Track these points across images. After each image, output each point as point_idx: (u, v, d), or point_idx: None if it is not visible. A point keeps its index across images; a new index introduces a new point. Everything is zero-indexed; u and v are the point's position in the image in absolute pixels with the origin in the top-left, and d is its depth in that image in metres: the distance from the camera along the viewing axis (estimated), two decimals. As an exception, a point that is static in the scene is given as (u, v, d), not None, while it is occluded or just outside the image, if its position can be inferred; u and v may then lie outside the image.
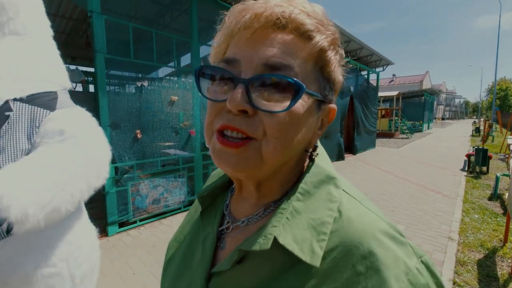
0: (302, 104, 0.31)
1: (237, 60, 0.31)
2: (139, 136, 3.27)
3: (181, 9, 4.54)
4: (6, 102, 1.39)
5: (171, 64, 4.18)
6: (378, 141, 12.53)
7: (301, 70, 0.31)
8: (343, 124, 8.39)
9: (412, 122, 19.50)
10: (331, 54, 0.33)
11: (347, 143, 9.58)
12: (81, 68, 6.86)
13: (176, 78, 3.96)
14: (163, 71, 4.24)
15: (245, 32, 0.31)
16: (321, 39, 0.32)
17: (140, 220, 3.36)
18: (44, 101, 1.55)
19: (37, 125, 1.48)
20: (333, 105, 0.36)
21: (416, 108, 21.77)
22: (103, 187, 2.95)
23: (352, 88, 8.33)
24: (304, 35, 0.31)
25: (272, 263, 0.32)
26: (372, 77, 10.28)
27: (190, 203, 3.93)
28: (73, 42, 5.88)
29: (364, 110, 9.32)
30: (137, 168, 3.30)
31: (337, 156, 8.10)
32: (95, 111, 2.95)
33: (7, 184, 1.20)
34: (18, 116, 1.43)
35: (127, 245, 2.88)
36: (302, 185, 0.35)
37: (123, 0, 4.14)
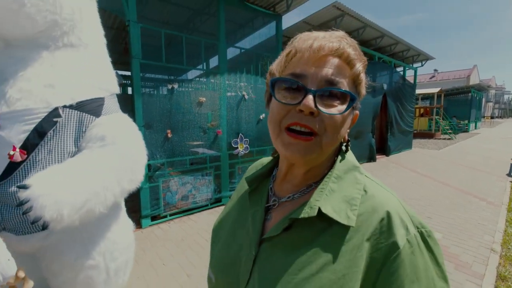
0: (350, 110, 0.44)
1: (304, 75, 0.42)
2: (169, 135, 3.48)
3: (210, 12, 4.70)
4: (56, 109, 1.54)
5: (200, 66, 4.35)
6: (416, 141, 11.71)
7: (347, 86, 0.43)
8: (375, 124, 8.00)
9: (457, 121, 17.83)
10: (363, 76, 0.46)
11: (380, 144, 9.09)
12: (120, 72, 7.46)
13: (204, 80, 4.13)
14: (192, 73, 4.44)
15: (312, 56, 0.42)
16: (359, 66, 0.44)
17: (170, 215, 3.57)
18: (91, 107, 1.68)
19: (83, 130, 1.62)
20: (357, 111, 0.49)
21: (462, 106, 19.84)
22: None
23: (385, 86, 7.90)
24: (350, 62, 0.43)
25: (312, 228, 0.43)
26: (410, 73, 9.65)
27: (217, 200, 4.07)
28: (113, 48, 6.38)
29: (399, 108, 8.78)
30: (168, 165, 3.51)
31: (368, 157, 7.75)
32: (132, 112, 3.20)
33: (47, 185, 1.33)
34: (67, 122, 1.58)
35: (158, 238, 3.08)
36: (335, 171, 0.46)
37: (157, 8, 4.42)
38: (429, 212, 3.76)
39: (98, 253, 1.68)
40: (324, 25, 6.17)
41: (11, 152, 1.40)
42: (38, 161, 1.48)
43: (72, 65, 1.69)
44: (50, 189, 1.31)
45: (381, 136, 9.05)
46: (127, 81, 6.97)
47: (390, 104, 8.31)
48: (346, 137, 0.49)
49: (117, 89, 1.96)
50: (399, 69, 9.31)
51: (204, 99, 3.82)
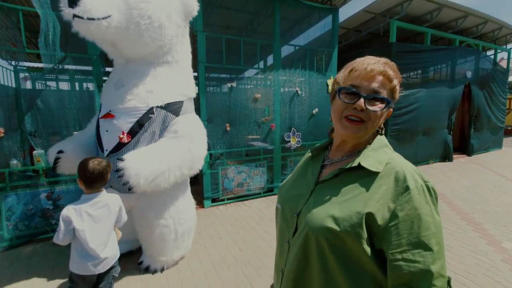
0: (384, 108, 0.67)
1: (359, 86, 0.66)
2: (228, 129, 3.93)
3: (267, 14, 4.97)
4: (151, 108, 2.21)
5: (256, 65, 4.67)
6: (508, 140, 9.66)
7: (386, 94, 0.67)
8: (454, 119, 6.95)
9: None
10: (397, 87, 0.69)
11: (460, 142, 7.88)
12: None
13: (260, 77, 4.44)
14: (250, 71, 4.81)
15: (366, 74, 0.66)
16: (395, 81, 0.67)
17: (227, 199, 4.04)
18: (173, 108, 2.33)
19: (166, 125, 2.27)
20: (392, 109, 0.71)
21: None
22: (202, 169, 3.75)
23: (469, 74, 6.77)
24: (389, 79, 0.66)
25: (352, 176, 0.67)
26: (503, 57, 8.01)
27: (269, 190, 4.37)
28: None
29: (487, 100, 7.40)
30: (226, 155, 3.97)
31: (442, 156, 6.83)
32: (198, 109, 3.75)
33: (135, 161, 1.94)
34: (157, 118, 2.24)
35: (217, 216, 3.57)
36: (372, 146, 0.70)
37: (220, 15, 4.93)
38: (506, 221, 3.24)
39: (169, 216, 2.31)
40: (388, 12, 5.72)
41: (121, 135, 2.10)
42: (136, 143, 2.16)
43: (166, 76, 2.37)
44: (136, 164, 1.92)
45: (462, 132, 7.82)
46: (196, 82, 7.89)
47: (476, 95, 7.07)
48: (381, 125, 0.73)
49: (194, 94, 2.62)
50: (489, 52, 7.82)
51: (259, 95, 4.13)
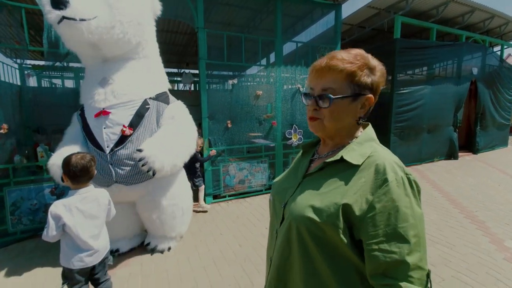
0: (339, 102, 0.67)
1: (313, 88, 0.70)
2: (229, 126, 3.93)
3: (268, 10, 4.93)
4: (145, 100, 2.34)
5: (257, 62, 4.65)
6: (517, 138, 9.48)
7: (338, 87, 0.66)
8: (461, 116, 6.82)
9: None
10: (359, 71, 0.66)
11: (466, 139, 7.77)
12: (193, 71, 8.50)
13: (262, 74, 4.42)
14: (252, 69, 4.79)
15: (314, 75, 0.70)
16: (349, 67, 0.65)
17: (229, 196, 4.06)
18: (163, 98, 2.49)
19: (161, 113, 2.42)
20: (369, 95, 0.69)
21: None
22: (204, 165, 3.77)
23: (475, 70, 6.65)
24: (337, 69, 0.66)
25: (336, 169, 0.69)
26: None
27: (270, 187, 4.36)
28: (187, 51, 7.37)
29: (492, 97, 7.28)
30: (227, 152, 3.98)
31: (447, 154, 6.74)
32: (199, 106, 3.76)
33: (153, 149, 2.12)
34: (152, 108, 2.37)
35: (218, 213, 3.59)
36: (358, 140, 0.71)
37: (221, 12, 4.91)
38: (509, 219, 3.19)
39: (176, 195, 2.55)
40: (392, 7, 5.64)
41: (124, 129, 2.20)
42: (139, 134, 2.28)
43: (147, 70, 2.51)
44: (155, 151, 2.12)
45: (468, 130, 7.71)
46: (197, 79, 7.91)
47: (482, 92, 6.95)
48: (357, 116, 0.71)
49: (169, 86, 2.81)
50: (496, 48, 7.66)
51: (261, 92, 4.12)
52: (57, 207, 1.48)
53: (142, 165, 2.04)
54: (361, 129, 0.75)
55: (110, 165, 2.20)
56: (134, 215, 2.54)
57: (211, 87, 5.17)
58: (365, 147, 0.69)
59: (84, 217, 1.55)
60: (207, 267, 2.37)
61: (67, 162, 1.53)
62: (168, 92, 2.64)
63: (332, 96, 0.66)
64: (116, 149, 2.19)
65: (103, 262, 1.68)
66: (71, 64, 3.36)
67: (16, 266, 2.40)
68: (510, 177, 5.00)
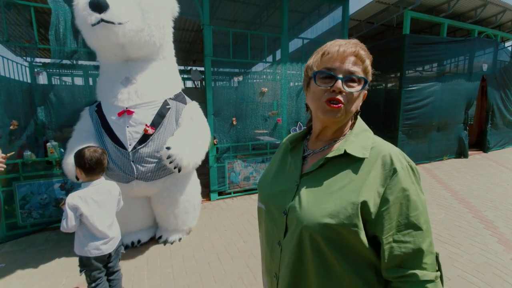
0: (362, 89, 0.65)
1: (334, 68, 0.64)
2: (234, 123, 3.93)
3: (275, 6, 4.89)
4: (166, 100, 2.44)
5: (263, 59, 4.63)
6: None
7: (361, 74, 0.64)
8: (474, 114, 6.64)
9: None
10: (369, 67, 0.66)
11: (476, 138, 7.59)
12: (199, 68, 8.51)
13: (268, 71, 4.40)
14: (258, 65, 4.77)
15: (338, 55, 0.63)
16: (367, 61, 0.65)
17: (234, 193, 4.08)
18: (180, 98, 2.60)
19: (180, 113, 2.51)
20: (366, 91, 0.69)
21: None
22: (209, 162, 3.79)
23: (485, 67, 6.46)
24: (362, 59, 0.64)
25: (339, 165, 0.65)
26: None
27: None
28: (194, 48, 7.38)
29: (503, 95, 7.05)
30: (233, 149, 3.99)
31: (457, 152, 6.58)
32: (204, 103, 3.77)
33: (180, 148, 2.22)
34: (172, 108, 2.46)
35: (223, 209, 3.61)
36: (354, 131, 0.69)
37: (227, 8, 4.90)
38: (523, 218, 3.11)
39: (190, 192, 2.66)
40: (401, 2, 5.51)
41: (146, 128, 2.27)
42: (160, 133, 2.36)
43: (165, 71, 2.60)
44: (181, 149, 2.22)
45: (479, 128, 7.51)
46: (203, 76, 7.91)
47: (492, 89, 6.75)
48: (358, 109, 0.70)
49: (183, 86, 2.90)
50: (508, 43, 7.42)
51: (266, 89, 4.11)
52: (74, 199, 1.54)
53: (170, 162, 2.14)
54: (352, 121, 0.73)
55: (132, 163, 2.28)
56: (149, 207, 2.67)
57: (216, 84, 5.18)
58: (362, 138, 0.67)
59: (99, 207, 1.63)
60: (211, 262, 2.40)
61: (81, 156, 1.59)
62: (182, 92, 2.73)
63: (366, 78, 0.64)
64: (139, 147, 2.27)
65: (117, 250, 1.77)
66: (80, 62, 3.41)
67: (28, 257, 2.49)
68: (522, 176, 4.86)
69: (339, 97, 0.62)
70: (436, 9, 5.96)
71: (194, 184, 2.77)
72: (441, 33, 5.85)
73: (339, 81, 0.61)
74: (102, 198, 1.65)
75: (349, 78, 0.62)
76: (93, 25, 2.03)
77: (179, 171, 2.22)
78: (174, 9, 2.61)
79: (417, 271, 0.57)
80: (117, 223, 1.79)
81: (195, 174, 2.83)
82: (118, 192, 1.79)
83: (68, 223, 1.52)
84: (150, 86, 2.38)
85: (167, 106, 2.41)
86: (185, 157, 2.20)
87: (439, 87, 5.88)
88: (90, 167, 1.59)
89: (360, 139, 0.67)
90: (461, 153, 6.62)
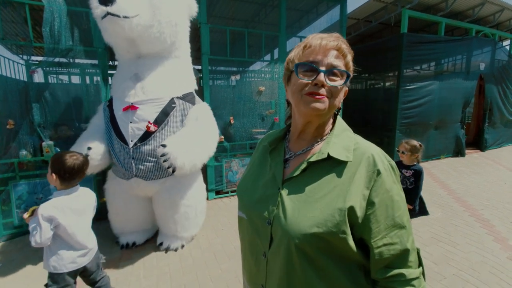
0: (345, 83, 0.63)
1: (316, 61, 0.62)
2: (232, 122, 3.92)
3: (273, 4, 4.87)
4: (172, 98, 2.39)
5: (261, 58, 4.62)
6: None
7: (343, 68, 0.63)
8: (472, 112, 6.68)
9: None
10: (351, 63, 0.65)
11: (474, 136, 7.62)
12: (196, 67, 8.46)
13: (266, 70, 4.39)
14: (257, 64, 4.76)
15: (321, 48, 0.62)
16: (349, 56, 0.64)
17: (231, 192, 4.07)
18: (189, 98, 2.53)
19: (186, 113, 2.45)
20: (347, 87, 0.67)
21: None
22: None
23: (482, 66, 6.47)
24: (344, 54, 0.63)
25: (322, 168, 0.63)
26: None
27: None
28: (191, 47, 7.33)
29: (501, 93, 7.08)
30: (230, 148, 3.98)
31: (454, 151, 6.61)
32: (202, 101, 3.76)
33: (176, 146, 2.13)
34: (178, 108, 2.41)
35: (220, 208, 3.61)
36: (335, 131, 0.67)
37: (225, 6, 4.87)
38: (519, 217, 3.13)
39: (192, 196, 2.54)
40: (399, 0, 5.51)
41: (149, 125, 2.23)
42: (162, 132, 2.31)
43: (177, 70, 2.57)
44: (178, 148, 2.13)
45: (476, 127, 7.54)
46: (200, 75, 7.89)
47: (490, 88, 6.78)
48: (340, 105, 0.67)
49: (196, 87, 2.84)
50: (506, 43, 7.44)
51: (264, 88, 4.10)
52: (48, 209, 1.38)
53: (164, 161, 2.06)
54: (331, 120, 0.71)
55: (132, 159, 2.26)
56: (149, 208, 2.60)
57: (214, 83, 5.16)
58: (343, 139, 0.66)
59: (78, 216, 1.50)
60: (208, 261, 2.40)
61: (60, 162, 1.43)
62: (194, 92, 2.67)
63: (349, 72, 0.62)
64: (139, 144, 2.24)
65: (95, 262, 1.62)
66: (77, 61, 3.39)
67: (24, 257, 2.47)
68: (519, 175, 4.89)
69: (321, 91, 0.60)
70: (433, 8, 5.96)
71: (198, 189, 2.63)
72: (439, 32, 5.85)
73: (322, 74, 0.59)
74: (79, 206, 1.51)
75: (332, 71, 0.61)
76: (102, 18, 2.06)
77: (173, 171, 2.12)
78: (192, 8, 2.59)
79: (403, 270, 0.58)
80: (92, 232, 1.65)
81: (200, 178, 2.72)
82: (94, 199, 1.65)
83: (42, 236, 1.33)
84: (157, 83, 2.35)
85: (173, 105, 2.37)
86: (180, 156, 2.10)
87: (437, 86, 5.90)
88: (71, 176, 1.45)
89: (341, 139, 0.65)
90: (458, 152, 6.65)
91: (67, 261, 1.46)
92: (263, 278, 0.68)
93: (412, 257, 0.59)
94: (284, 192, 0.64)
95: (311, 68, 0.61)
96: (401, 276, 0.58)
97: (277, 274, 0.63)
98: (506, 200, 3.69)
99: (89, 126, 2.56)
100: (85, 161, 1.53)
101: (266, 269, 0.67)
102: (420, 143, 2.24)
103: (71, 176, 1.45)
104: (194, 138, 2.33)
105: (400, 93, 5.48)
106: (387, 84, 6.79)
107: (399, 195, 0.61)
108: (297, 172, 0.64)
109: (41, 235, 1.34)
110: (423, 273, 0.61)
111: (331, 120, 0.71)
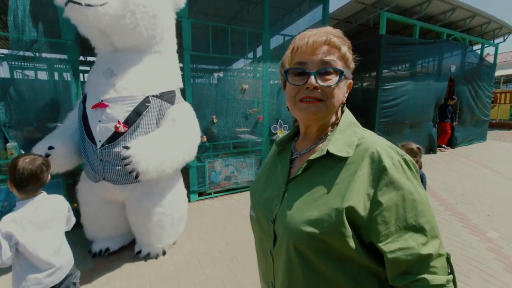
0: (341, 81, 0.59)
1: (305, 62, 0.58)
2: (215, 120, 3.81)
3: (256, 1, 4.80)
4: (147, 97, 2.18)
5: (245, 56, 4.54)
6: (492, 133, 9.96)
7: (338, 64, 0.59)
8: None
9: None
10: (348, 54, 0.60)
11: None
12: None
13: (248, 68, 4.31)
14: (240, 62, 4.66)
15: (308, 47, 0.58)
16: (344, 48, 0.59)
17: (214, 193, 3.96)
18: (168, 97, 2.32)
19: (162, 114, 2.26)
20: (350, 80, 0.64)
21: None
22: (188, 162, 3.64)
23: (453, 68, 6.86)
24: (337, 47, 0.58)
25: (324, 166, 0.60)
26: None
27: (257, 183, 4.30)
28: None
29: (472, 94, 7.55)
30: (213, 148, 3.86)
31: (427, 148, 6.94)
32: (184, 99, 3.60)
33: (141, 148, 1.92)
34: (153, 107, 2.21)
35: (203, 211, 3.49)
36: (339, 127, 0.63)
37: (207, 2, 4.73)
38: (491, 211, 3.31)
39: (167, 204, 2.33)
40: (378, 2, 5.66)
41: (117, 125, 2.03)
42: (133, 133, 2.11)
43: (157, 66, 2.37)
44: (142, 151, 1.92)
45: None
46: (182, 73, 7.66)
47: (460, 88, 7.20)
48: (344, 101, 0.64)
49: (181, 85, 2.65)
50: (476, 47, 7.93)
51: (247, 86, 4.02)
52: (6, 224, 1.21)
53: (126, 164, 1.84)
54: (339, 115, 0.67)
55: (100, 161, 2.09)
56: (123, 213, 2.36)
57: (196, 81, 5.01)
58: (348, 134, 0.61)
59: (40, 230, 1.30)
60: (191, 266, 2.29)
61: (12, 167, 1.25)
62: (176, 91, 2.46)
63: (341, 69, 0.58)
64: (107, 145, 2.05)
65: (67, 280, 1.43)
66: (44, 55, 3.11)
67: (-19, 273, 2.21)
68: (492, 171, 5.20)
69: (315, 94, 0.57)
70: (409, 10, 6.19)
71: (176, 194, 2.41)
72: (414, 35, 6.10)
73: (312, 77, 0.57)
74: (43, 218, 1.32)
75: (323, 71, 0.57)
76: (65, 5, 1.87)
77: (136, 177, 1.88)
78: (176, 0, 2.42)
79: (426, 276, 0.52)
80: (68, 246, 1.48)
81: (179, 182, 2.52)
82: (67, 208, 1.47)
83: (3, 255, 1.17)
84: (130, 80, 2.16)
85: (147, 104, 2.16)
86: (143, 160, 1.86)
87: (412, 86, 6.16)
88: (21, 183, 1.25)
89: (345, 135, 0.61)
90: (431, 149, 6.99)
91: (31, 282, 1.28)
92: (271, 276, 0.69)
93: (438, 263, 0.53)
94: (287, 192, 0.64)
95: (301, 71, 0.58)
96: (423, 281, 0.52)
97: (281, 273, 0.63)
98: (479, 194, 3.90)
99: (65, 121, 2.45)
100: (42, 163, 1.32)
101: (273, 267, 0.67)
102: (418, 145, 2.06)
103: (23, 183, 1.26)
104: (166, 141, 2.11)
105: (379, 93, 5.65)
106: (365, 84, 7.00)
107: (415, 194, 0.54)
108: (299, 171, 0.63)
109: (1, 255, 1.17)
110: (454, 282, 0.55)
111: (337, 116, 0.67)
